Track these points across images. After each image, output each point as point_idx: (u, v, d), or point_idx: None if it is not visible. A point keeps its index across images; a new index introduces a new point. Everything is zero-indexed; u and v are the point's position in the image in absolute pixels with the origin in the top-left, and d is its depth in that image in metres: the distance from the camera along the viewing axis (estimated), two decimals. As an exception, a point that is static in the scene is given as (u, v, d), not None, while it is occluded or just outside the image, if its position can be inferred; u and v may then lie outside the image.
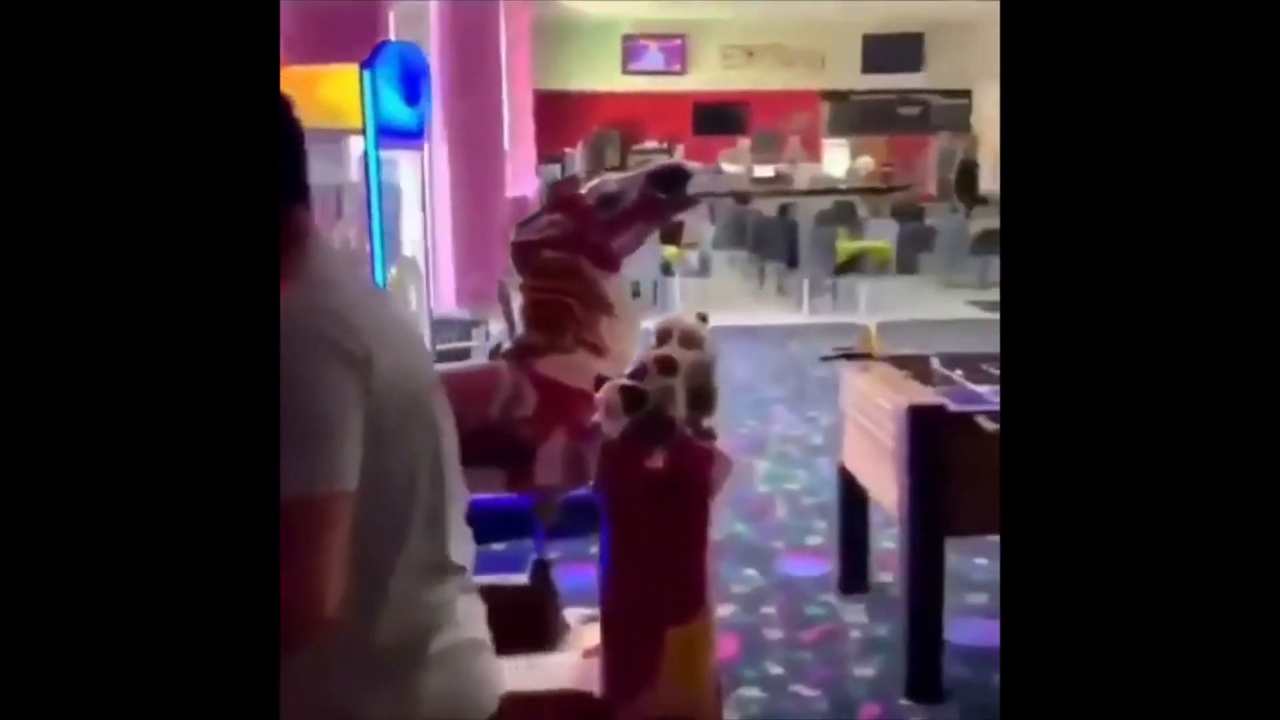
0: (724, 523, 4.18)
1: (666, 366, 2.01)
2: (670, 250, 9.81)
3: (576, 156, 14.39)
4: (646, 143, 14.88)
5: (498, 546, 3.52)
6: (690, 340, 2.05)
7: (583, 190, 2.36)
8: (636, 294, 9.22)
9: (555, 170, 13.54)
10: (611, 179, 2.37)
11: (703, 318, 2.16)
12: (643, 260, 8.81)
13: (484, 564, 3.14)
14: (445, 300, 7.46)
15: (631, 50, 15.63)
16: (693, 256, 10.72)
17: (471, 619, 1.36)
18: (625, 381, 1.99)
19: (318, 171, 3.26)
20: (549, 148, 13.46)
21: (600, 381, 2.03)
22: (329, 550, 1.12)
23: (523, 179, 10.73)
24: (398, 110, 3.14)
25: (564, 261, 2.30)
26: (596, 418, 2.00)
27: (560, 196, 2.37)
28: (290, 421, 1.11)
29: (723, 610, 3.40)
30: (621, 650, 2.14)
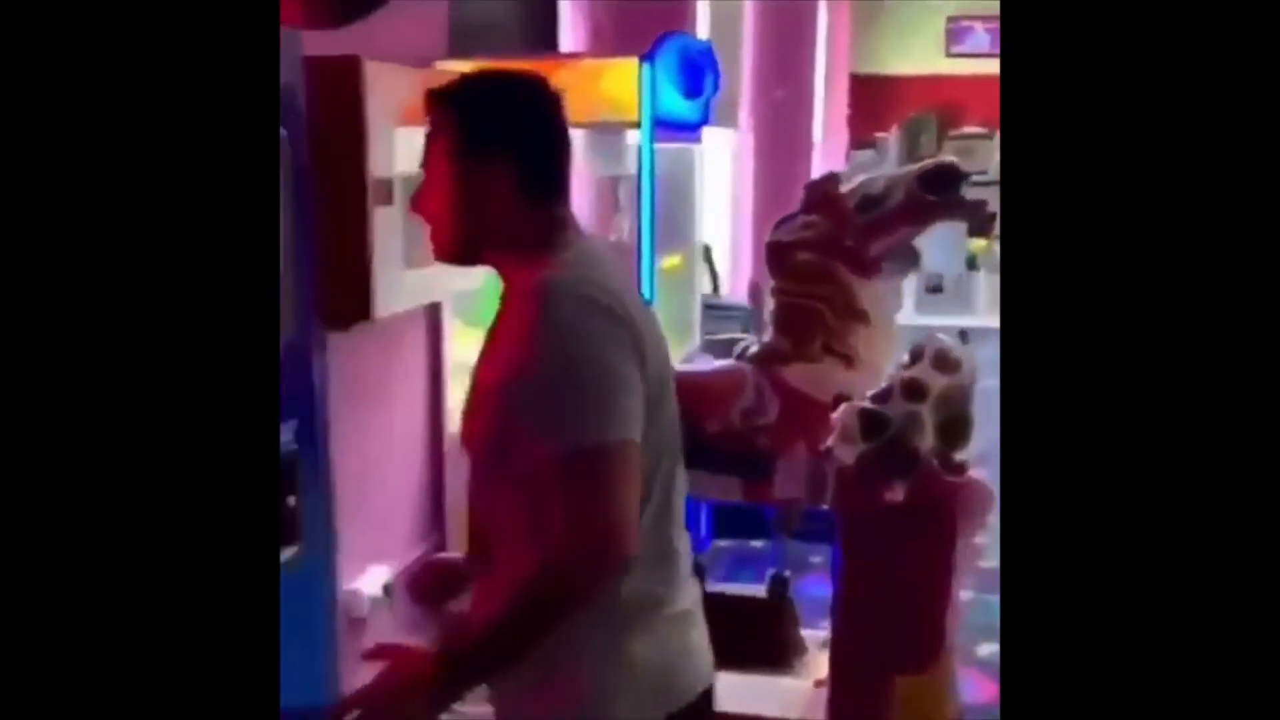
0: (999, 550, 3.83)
1: (914, 391, 1.83)
2: (977, 243, 9.16)
3: (890, 142, 13.86)
4: (966, 127, 14.05)
5: (756, 544, 3.45)
6: (944, 363, 1.85)
7: (843, 189, 2.20)
8: (938, 288, 8.71)
9: (868, 156, 13.11)
10: (877, 177, 2.20)
11: (963, 336, 1.95)
12: (946, 252, 8.30)
13: (722, 570, 3.07)
14: (742, 291, 7.44)
15: (955, 32, 14.75)
16: (1006, 251, 9.95)
17: (691, 597, 1.35)
18: (865, 404, 1.83)
19: (599, 164, 3.32)
20: (863, 133, 13.06)
21: (839, 400, 1.89)
22: (628, 495, 1.17)
23: (833, 167, 10.49)
24: (676, 103, 3.11)
25: (817, 265, 2.17)
26: (830, 441, 1.86)
27: (818, 196, 2.23)
28: (579, 376, 1.18)
29: (986, 648, 3.11)
30: (848, 689, 2.00)
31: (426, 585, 1.51)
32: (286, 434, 1.64)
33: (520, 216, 1.29)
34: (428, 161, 1.33)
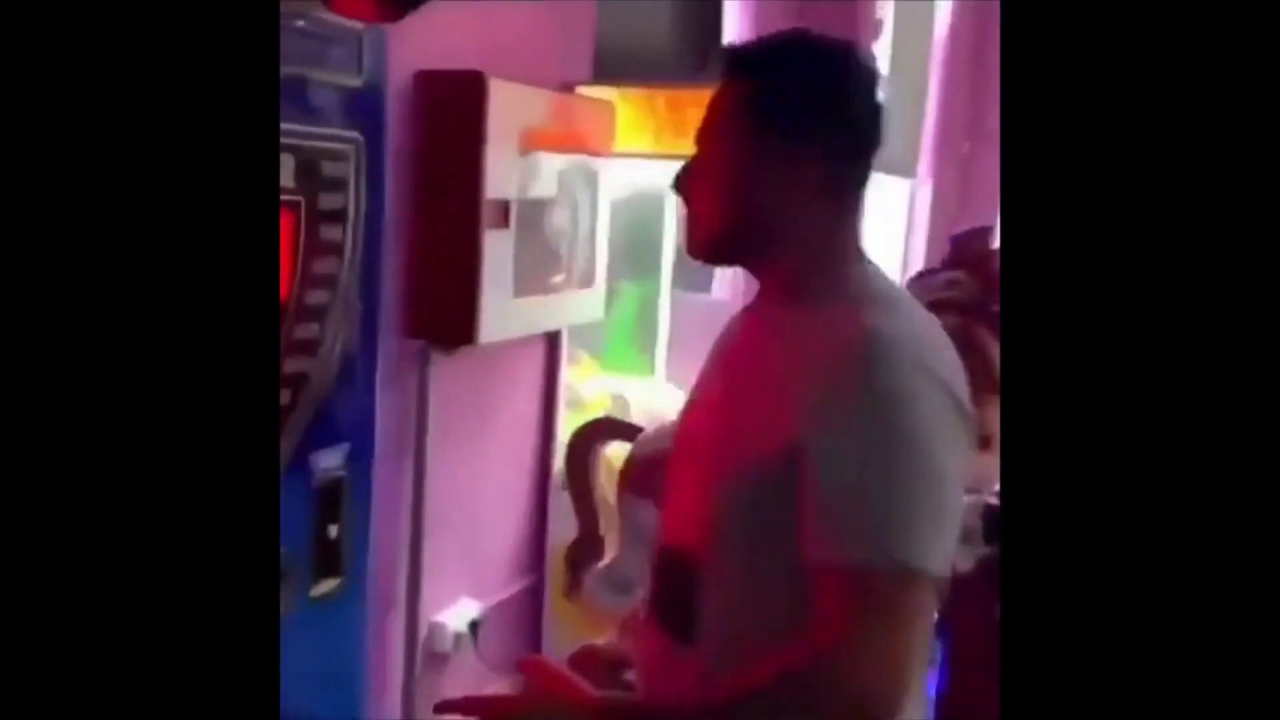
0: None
1: (1052, 487, 1.55)
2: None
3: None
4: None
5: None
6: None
7: (995, 246, 1.94)
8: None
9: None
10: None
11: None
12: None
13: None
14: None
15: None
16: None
17: None
18: (990, 500, 1.57)
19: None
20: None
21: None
22: (920, 636, 0.97)
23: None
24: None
25: (958, 329, 1.90)
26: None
27: (967, 251, 1.97)
28: (907, 477, 0.95)
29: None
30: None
31: (589, 670, 1.30)
32: (336, 458, 1.53)
33: (816, 218, 1.06)
34: (707, 137, 1.09)
